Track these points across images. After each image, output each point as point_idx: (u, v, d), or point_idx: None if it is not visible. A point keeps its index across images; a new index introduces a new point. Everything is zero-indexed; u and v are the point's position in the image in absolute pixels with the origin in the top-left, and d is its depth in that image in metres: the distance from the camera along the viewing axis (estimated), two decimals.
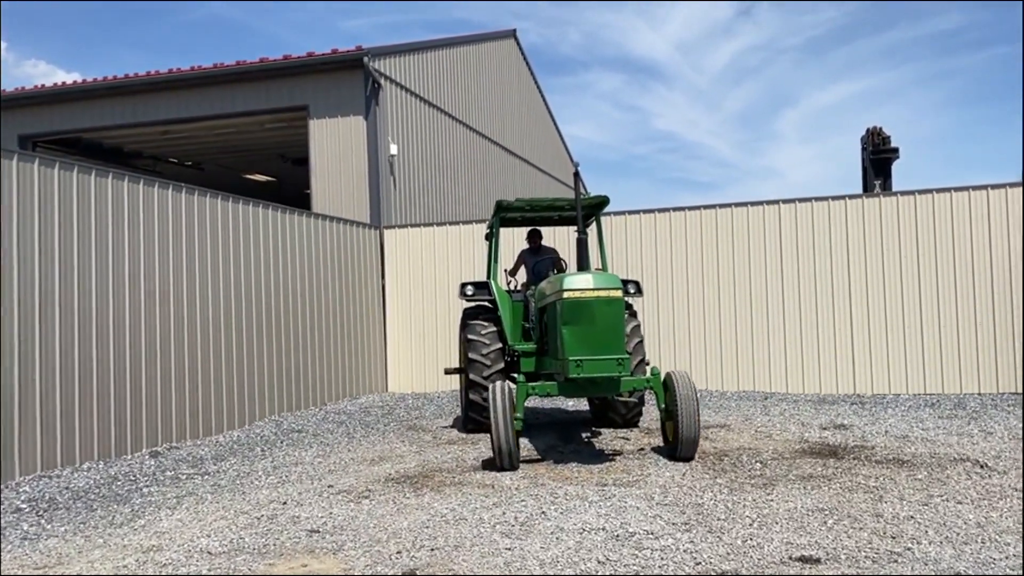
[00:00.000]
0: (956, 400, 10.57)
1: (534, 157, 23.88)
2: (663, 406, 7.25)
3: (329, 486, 6.61)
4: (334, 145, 14.78)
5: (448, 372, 9.97)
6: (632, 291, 9.00)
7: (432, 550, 4.81)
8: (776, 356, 11.98)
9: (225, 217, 10.20)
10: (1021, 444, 7.49)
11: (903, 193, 11.74)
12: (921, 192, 11.55)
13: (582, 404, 10.76)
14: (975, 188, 11.34)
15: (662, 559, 4.53)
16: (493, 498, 5.96)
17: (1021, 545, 4.61)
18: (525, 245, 10.10)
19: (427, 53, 16.94)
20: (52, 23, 71.63)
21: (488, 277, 9.45)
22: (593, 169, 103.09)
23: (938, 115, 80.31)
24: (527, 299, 9.13)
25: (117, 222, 8.49)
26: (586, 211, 8.68)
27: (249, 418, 10.40)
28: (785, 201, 12.16)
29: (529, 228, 10.05)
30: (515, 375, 7.49)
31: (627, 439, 8.43)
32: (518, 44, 22.97)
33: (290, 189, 22.52)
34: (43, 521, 5.92)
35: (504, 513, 5.52)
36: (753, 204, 12.30)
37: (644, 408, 9.42)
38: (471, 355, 8.79)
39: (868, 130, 18.91)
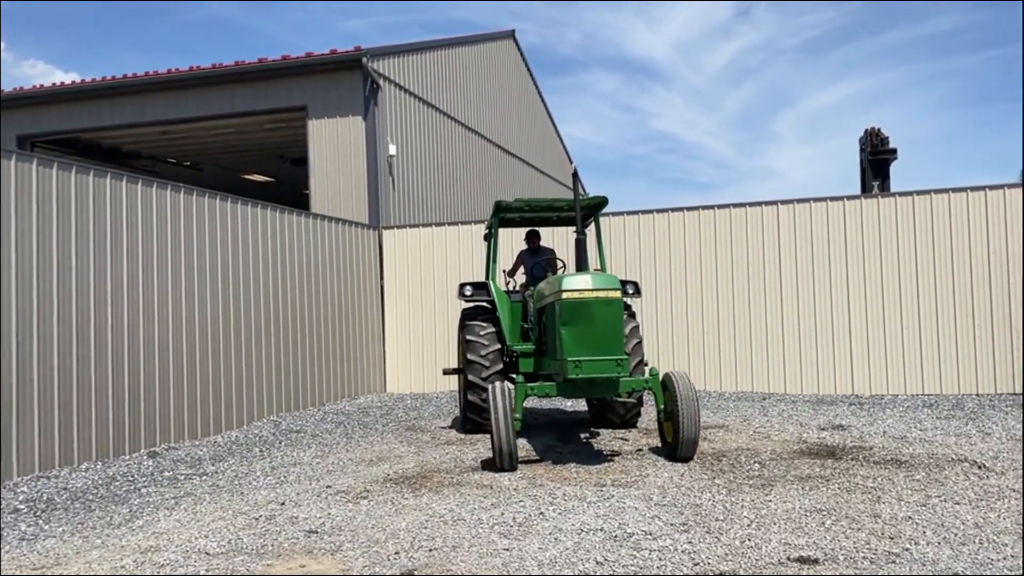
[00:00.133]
0: (954, 401, 10.57)
1: (533, 157, 23.87)
2: (662, 407, 7.25)
3: (327, 486, 6.61)
4: (333, 145, 14.78)
5: (447, 372, 9.98)
6: (631, 292, 8.99)
7: (430, 550, 4.81)
8: (774, 356, 11.98)
9: (224, 217, 10.20)
10: (1020, 444, 7.49)
11: (902, 194, 11.75)
12: (920, 193, 11.56)
13: (581, 405, 10.76)
14: (973, 189, 11.35)
15: (660, 560, 4.53)
16: (491, 499, 5.97)
17: (1020, 545, 4.62)
18: (524, 245, 10.10)
19: (426, 53, 16.94)
20: (51, 23, 71.64)
21: (487, 278, 9.45)
22: (592, 169, 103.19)
23: (937, 116, 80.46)
24: (526, 300, 9.13)
25: (115, 222, 8.49)
26: (585, 212, 8.68)
27: (247, 418, 10.40)
28: (783, 202, 12.17)
29: (528, 229, 10.05)
30: (514, 376, 7.49)
31: (625, 440, 8.43)
32: (517, 44, 22.97)
33: (289, 189, 22.48)
34: (41, 522, 5.91)
35: (502, 514, 5.52)
36: (751, 205, 12.30)
37: (642, 408, 9.42)
38: (470, 356, 8.78)
39: (866, 131, 18.93)
